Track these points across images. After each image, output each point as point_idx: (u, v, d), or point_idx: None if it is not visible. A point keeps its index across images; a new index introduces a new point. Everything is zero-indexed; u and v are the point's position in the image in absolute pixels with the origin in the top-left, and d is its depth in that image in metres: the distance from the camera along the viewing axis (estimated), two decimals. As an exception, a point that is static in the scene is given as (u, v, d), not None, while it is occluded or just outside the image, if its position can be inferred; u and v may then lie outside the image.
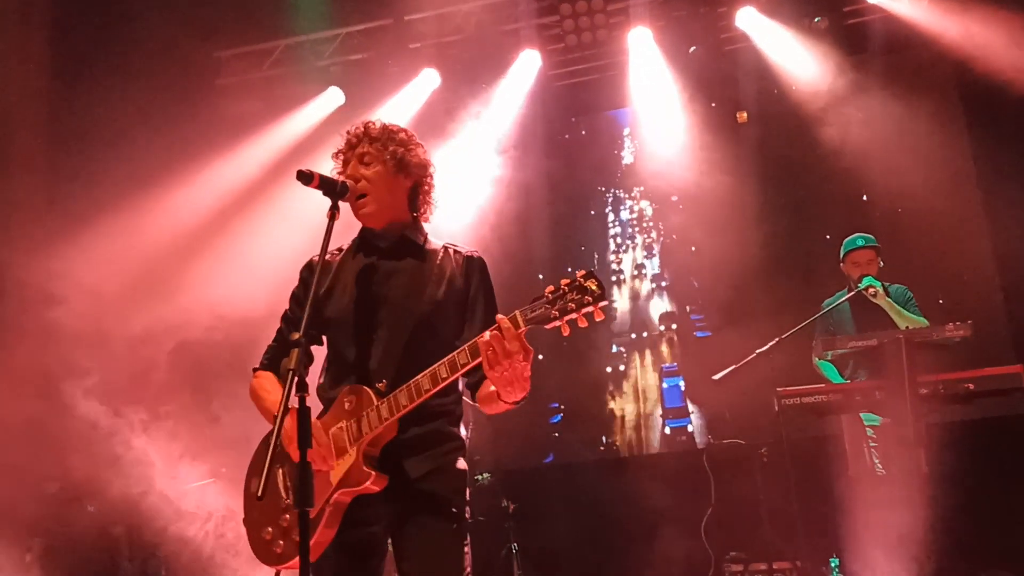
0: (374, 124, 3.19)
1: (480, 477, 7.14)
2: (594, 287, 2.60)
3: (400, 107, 8.67)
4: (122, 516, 7.24)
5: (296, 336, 2.57)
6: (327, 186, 2.94)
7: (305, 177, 2.89)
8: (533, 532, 7.34)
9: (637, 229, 9.28)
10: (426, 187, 3.22)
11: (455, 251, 3.17)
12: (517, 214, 8.46)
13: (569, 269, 9.31)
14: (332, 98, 8.95)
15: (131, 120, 7.82)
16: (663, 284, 9.05)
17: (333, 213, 2.93)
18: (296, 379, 2.53)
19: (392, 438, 2.88)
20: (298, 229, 7.53)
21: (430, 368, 2.79)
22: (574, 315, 2.61)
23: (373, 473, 2.81)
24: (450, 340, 3.01)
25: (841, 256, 6.34)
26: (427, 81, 8.81)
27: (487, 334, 2.67)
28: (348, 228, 3.25)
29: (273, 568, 2.98)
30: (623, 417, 8.74)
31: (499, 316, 2.70)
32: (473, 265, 3.13)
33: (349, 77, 8.96)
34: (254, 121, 8.81)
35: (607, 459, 8.57)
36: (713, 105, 8.71)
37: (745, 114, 8.77)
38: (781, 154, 8.62)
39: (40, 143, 8.12)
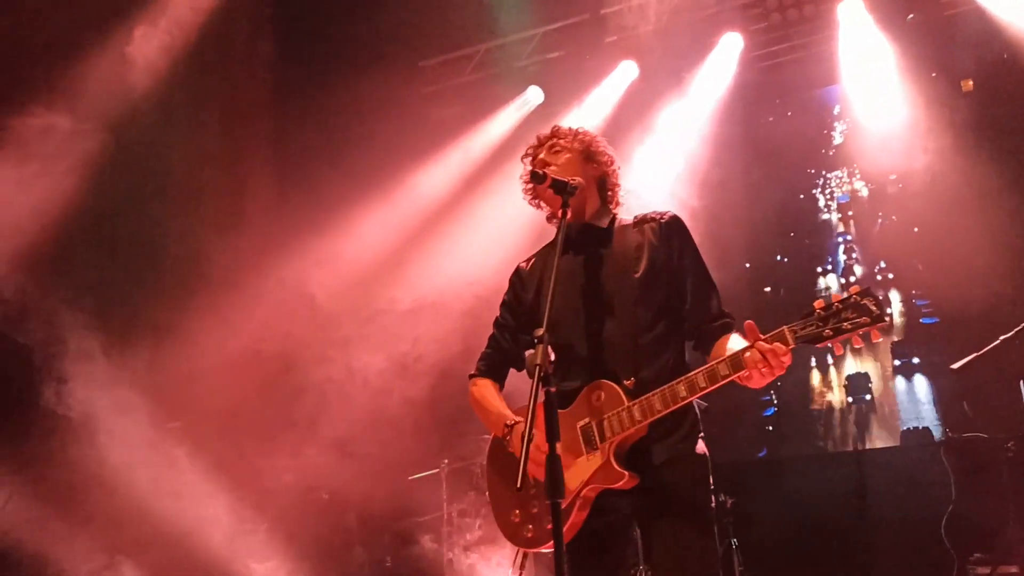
0: (560, 126, 3.32)
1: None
2: (872, 306, 2.52)
3: (600, 101, 8.69)
4: (353, 503, 7.70)
5: (540, 332, 2.61)
6: (558, 186, 3.01)
7: (538, 178, 3.00)
8: (753, 528, 7.14)
9: (851, 211, 8.82)
10: (613, 177, 3.27)
11: (649, 219, 3.15)
12: (721, 200, 8.26)
13: (778, 257, 9.01)
14: (532, 97, 9.09)
15: (346, 131, 8.30)
16: (882, 268, 8.54)
17: (564, 212, 2.98)
18: (542, 374, 2.57)
19: (641, 436, 2.89)
20: (506, 228, 7.74)
21: (687, 376, 2.78)
22: (849, 335, 2.55)
23: (626, 474, 2.84)
24: (673, 309, 3.03)
25: None
26: (626, 73, 8.78)
27: (755, 352, 2.65)
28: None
29: (522, 549, 3.08)
30: (843, 409, 8.35)
31: (767, 343, 2.66)
32: (671, 229, 3.11)
33: (548, 75, 9.07)
34: (458, 125, 9.10)
35: (828, 453, 8.20)
36: (934, 75, 8.13)
37: (971, 82, 8.14)
38: (1012, 124, 7.91)
39: (267, 154, 8.79)
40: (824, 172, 8.97)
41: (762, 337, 2.67)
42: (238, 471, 7.09)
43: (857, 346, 2.60)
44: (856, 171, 8.82)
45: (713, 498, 3.02)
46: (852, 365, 8.42)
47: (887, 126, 8.14)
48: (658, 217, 3.15)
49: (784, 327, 2.64)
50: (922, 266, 8.24)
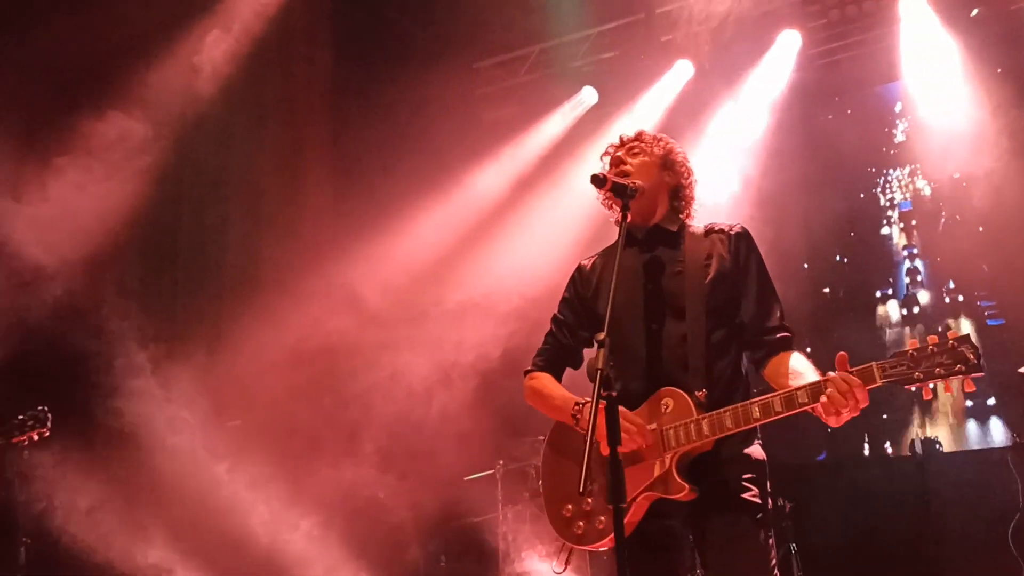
0: (646, 132, 3.31)
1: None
2: (969, 355, 2.44)
3: (654, 100, 8.63)
4: (408, 503, 7.77)
5: (601, 336, 2.61)
6: (619, 189, 3.01)
7: (599, 181, 3.00)
8: (812, 532, 7.04)
9: (914, 220, 8.63)
10: (688, 190, 3.26)
11: (718, 230, 3.16)
12: (779, 201, 8.15)
13: (837, 257, 8.85)
14: (587, 97, 9.07)
15: (401, 134, 8.37)
16: (950, 289, 8.30)
17: (625, 215, 2.98)
18: (603, 376, 2.56)
19: (705, 450, 2.86)
20: (561, 229, 7.75)
21: (763, 398, 2.76)
22: (941, 381, 2.48)
23: (687, 487, 2.81)
24: (734, 319, 3.03)
25: None
26: (681, 72, 8.71)
27: (836, 384, 2.59)
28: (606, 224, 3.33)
29: (569, 545, 3.07)
30: (904, 412, 8.17)
31: (847, 372, 2.61)
32: (739, 240, 3.12)
33: (602, 75, 9.05)
34: (513, 126, 9.12)
35: (890, 457, 8.04)
36: (999, 71, 7.92)
37: (1038, 78, 7.91)
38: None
39: (325, 158, 8.91)
40: (886, 170, 8.79)
41: (851, 370, 2.62)
42: (295, 471, 7.20)
43: (947, 393, 2.51)
44: (919, 170, 8.63)
45: (770, 501, 2.98)
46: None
47: (951, 124, 7.95)
48: (727, 228, 3.16)
49: (873, 363, 2.58)
50: (987, 267, 8.03)
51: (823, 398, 2.61)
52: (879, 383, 2.57)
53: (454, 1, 8.42)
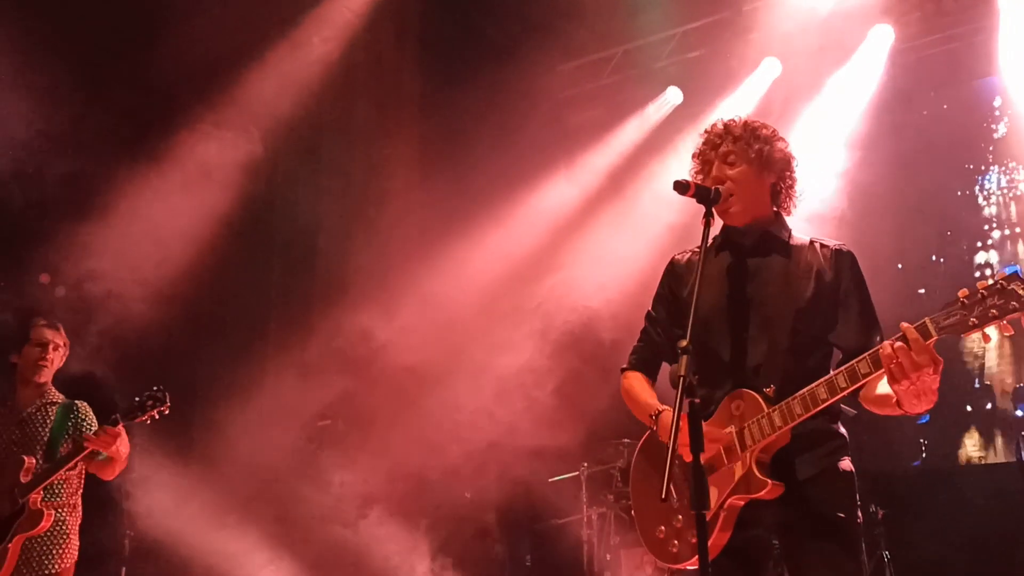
0: (735, 122, 3.14)
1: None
2: (1021, 291, 2.39)
3: (742, 99, 8.49)
4: (494, 503, 7.86)
5: (684, 343, 2.60)
6: (702, 194, 2.95)
7: (682, 187, 2.93)
8: (907, 542, 6.85)
9: (1014, 208, 8.29)
10: (789, 182, 3.14)
11: (822, 245, 3.08)
12: (871, 199, 7.93)
13: (933, 257, 8.57)
14: (672, 98, 9.00)
15: (487, 136, 8.45)
16: (1050, 269, 7.97)
17: (708, 220, 2.94)
18: (686, 384, 2.56)
19: (784, 445, 2.84)
20: (648, 227, 7.72)
21: (826, 377, 2.72)
22: (997, 322, 2.42)
23: (769, 482, 2.79)
24: (823, 336, 2.96)
25: None
26: (768, 70, 8.55)
27: (891, 344, 2.55)
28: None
29: (668, 566, 3.07)
30: (1007, 419, 7.86)
31: (904, 324, 2.55)
32: (843, 259, 3.03)
33: (687, 75, 8.94)
34: (598, 127, 9.11)
35: (991, 464, 7.74)
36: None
37: None
38: None
39: (413, 161, 9.06)
40: (985, 168, 8.47)
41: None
42: (383, 470, 7.36)
43: (1007, 333, 2.43)
44: (1020, 166, 8.28)
45: (860, 514, 2.93)
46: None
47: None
48: (833, 246, 3.08)
49: (926, 318, 2.54)
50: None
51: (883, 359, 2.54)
52: (936, 337, 2.52)
53: (538, 4, 8.46)
